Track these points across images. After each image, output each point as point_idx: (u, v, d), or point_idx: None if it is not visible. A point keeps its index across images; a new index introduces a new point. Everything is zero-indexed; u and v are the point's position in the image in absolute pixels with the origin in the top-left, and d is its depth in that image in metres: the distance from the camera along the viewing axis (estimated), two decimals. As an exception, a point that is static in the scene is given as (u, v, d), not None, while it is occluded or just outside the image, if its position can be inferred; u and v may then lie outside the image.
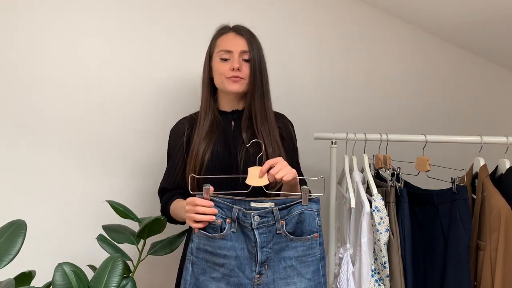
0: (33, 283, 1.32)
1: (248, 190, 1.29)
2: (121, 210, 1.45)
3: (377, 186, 1.55)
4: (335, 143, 1.70)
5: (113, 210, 1.46)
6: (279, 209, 1.25)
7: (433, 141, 1.63)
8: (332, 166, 1.72)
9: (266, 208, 1.25)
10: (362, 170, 1.65)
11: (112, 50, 1.78)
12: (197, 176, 1.35)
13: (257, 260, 1.24)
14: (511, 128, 2.14)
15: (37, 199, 1.69)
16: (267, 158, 1.37)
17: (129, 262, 1.43)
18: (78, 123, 1.73)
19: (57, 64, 1.71)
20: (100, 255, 1.35)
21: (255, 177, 1.28)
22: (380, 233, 1.43)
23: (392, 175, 1.62)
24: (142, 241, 1.47)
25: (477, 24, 1.93)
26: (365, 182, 1.60)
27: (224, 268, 1.23)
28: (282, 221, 1.25)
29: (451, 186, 1.50)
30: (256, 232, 1.24)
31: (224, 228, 1.24)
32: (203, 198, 1.24)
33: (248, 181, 1.29)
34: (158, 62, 1.83)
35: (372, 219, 1.44)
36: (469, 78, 2.24)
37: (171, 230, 1.56)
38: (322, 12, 2.03)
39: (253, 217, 1.24)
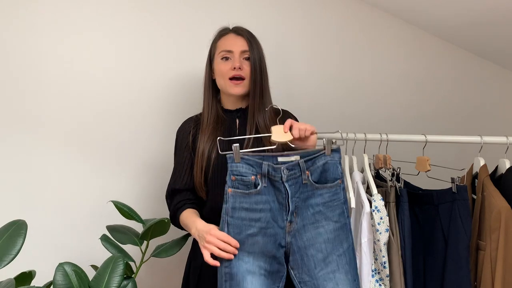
0: (33, 283, 1.32)
1: (275, 146, 1.36)
2: (126, 211, 1.45)
3: (377, 186, 1.55)
4: (335, 143, 1.70)
5: (117, 211, 1.46)
6: (305, 161, 1.33)
7: (433, 141, 1.63)
8: (332, 166, 1.72)
9: (292, 161, 1.32)
10: (362, 170, 1.65)
11: (116, 51, 1.77)
12: (223, 139, 1.37)
13: (289, 210, 1.31)
14: (511, 128, 2.14)
15: (40, 199, 1.69)
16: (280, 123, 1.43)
17: (131, 264, 1.43)
18: (82, 123, 1.73)
19: (60, 64, 1.70)
20: (103, 256, 1.35)
21: (279, 133, 1.35)
22: (380, 233, 1.43)
23: (392, 175, 1.62)
24: (145, 242, 1.47)
25: (477, 24, 1.93)
26: (365, 182, 1.60)
27: (260, 222, 1.28)
28: (308, 172, 1.33)
29: (451, 186, 1.50)
30: (286, 185, 1.30)
31: (258, 184, 1.29)
32: (233, 157, 1.28)
33: (273, 138, 1.35)
34: (164, 63, 1.82)
35: (372, 219, 1.45)
36: (469, 78, 2.24)
37: (175, 232, 1.56)
38: (322, 12, 2.03)
39: (283, 170, 1.30)
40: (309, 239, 1.32)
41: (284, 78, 1.94)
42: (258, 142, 1.44)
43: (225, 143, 1.37)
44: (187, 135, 1.49)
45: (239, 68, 1.44)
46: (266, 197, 1.29)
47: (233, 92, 1.46)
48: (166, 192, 1.51)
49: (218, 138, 1.37)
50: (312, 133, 1.39)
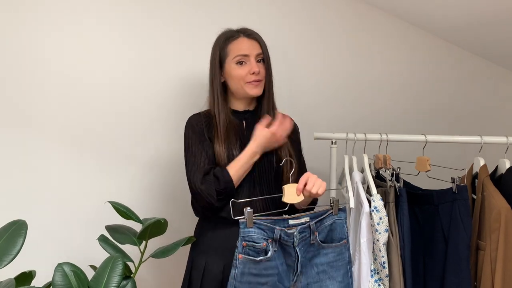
0: (33, 283, 1.33)
1: (286, 208, 1.36)
2: (123, 211, 1.45)
3: (377, 186, 1.55)
4: (335, 143, 1.71)
5: (115, 211, 1.46)
6: (314, 222, 1.33)
7: (433, 141, 1.63)
8: (332, 166, 1.72)
9: (303, 223, 1.31)
10: (362, 170, 1.65)
11: (116, 51, 1.77)
12: (237, 201, 1.35)
13: (296, 271, 1.31)
14: (511, 128, 2.14)
15: (40, 199, 1.69)
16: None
17: (130, 264, 1.43)
18: (81, 123, 1.73)
19: (59, 64, 1.70)
20: (102, 256, 1.35)
21: (291, 194, 1.34)
22: (379, 233, 1.43)
23: (392, 175, 1.62)
24: (144, 242, 1.47)
25: (477, 24, 1.93)
26: (365, 182, 1.60)
27: (267, 286, 1.28)
28: (316, 232, 1.33)
29: (451, 186, 1.50)
30: (297, 249, 1.30)
31: (269, 251, 1.27)
32: (246, 223, 1.26)
33: (285, 199, 1.34)
34: (163, 62, 1.82)
35: (371, 219, 1.45)
36: (469, 78, 2.24)
37: (173, 233, 1.56)
38: (324, 13, 2.03)
39: (295, 235, 1.29)
40: None
41: (284, 78, 1.94)
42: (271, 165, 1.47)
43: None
44: (202, 128, 1.47)
45: (258, 72, 1.46)
46: (275, 263, 1.28)
47: (252, 93, 1.47)
48: (192, 187, 1.41)
49: (232, 200, 1.33)
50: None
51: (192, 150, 1.45)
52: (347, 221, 1.39)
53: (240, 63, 1.46)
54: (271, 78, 1.52)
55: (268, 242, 1.27)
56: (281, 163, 1.45)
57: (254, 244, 1.25)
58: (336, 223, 1.36)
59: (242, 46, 1.47)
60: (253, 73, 1.45)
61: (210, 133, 1.47)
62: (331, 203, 1.36)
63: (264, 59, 1.49)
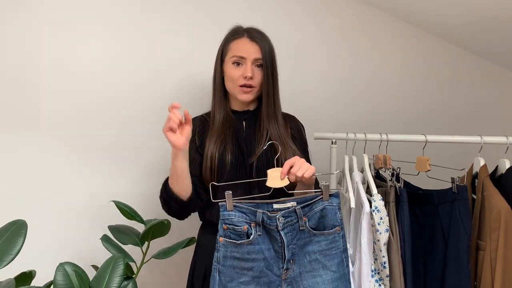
0: (33, 283, 1.32)
1: (270, 193, 1.31)
2: (127, 211, 1.45)
3: (377, 186, 1.55)
4: (335, 143, 1.71)
5: (119, 211, 1.46)
6: (302, 207, 1.28)
7: (433, 141, 1.64)
8: (332, 166, 1.72)
9: (288, 208, 1.27)
10: (362, 170, 1.65)
11: (116, 51, 1.77)
12: (217, 184, 1.33)
13: (284, 258, 1.27)
14: (511, 128, 2.15)
15: (40, 199, 1.69)
16: (280, 158, 1.39)
17: (132, 264, 1.43)
18: (84, 123, 1.73)
19: (60, 65, 1.70)
20: (103, 256, 1.35)
21: (275, 178, 1.29)
22: (380, 233, 1.43)
23: (392, 175, 1.62)
24: (146, 243, 1.47)
25: (477, 24, 1.94)
26: (365, 182, 1.60)
27: (253, 271, 1.25)
28: (305, 218, 1.28)
29: (451, 186, 1.50)
30: (282, 233, 1.26)
31: (251, 234, 1.25)
32: (225, 205, 1.24)
33: (269, 183, 1.30)
34: (166, 62, 1.82)
35: (372, 219, 1.45)
36: (469, 78, 2.24)
37: (176, 233, 1.56)
38: (325, 13, 2.03)
39: (278, 219, 1.26)
40: None
41: (284, 78, 1.93)
42: (267, 149, 1.41)
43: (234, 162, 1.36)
44: (194, 135, 1.47)
45: (251, 78, 1.42)
46: (259, 247, 1.25)
47: (241, 99, 1.46)
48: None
49: (211, 183, 1.32)
50: (311, 178, 1.33)
51: None
52: (341, 207, 1.32)
53: (236, 63, 1.44)
54: (274, 84, 1.46)
55: (250, 226, 1.25)
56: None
57: (235, 227, 1.24)
58: (327, 209, 1.28)
59: (241, 47, 1.44)
60: (245, 77, 1.42)
61: (203, 137, 1.46)
62: (321, 188, 1.29)
63: (263, 64, 1.43)
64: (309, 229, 1.28)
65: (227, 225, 1.24)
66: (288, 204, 1.27)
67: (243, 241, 1.24)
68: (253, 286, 1.25)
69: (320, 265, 1.29)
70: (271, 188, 1.31)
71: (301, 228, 1.28)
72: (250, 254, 1.25)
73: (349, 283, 1.32)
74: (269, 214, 1.25)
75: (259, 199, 1.29)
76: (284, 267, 1.27)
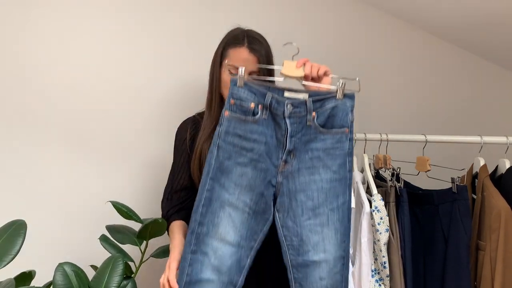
0: (33, 283, 1.32)
1: (283, 79, 1.27)
2: (124, 211, 1.45)
3: (377, 186, 1.55)
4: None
5: (116, 211, 1.46)
6: (313, 101, 1.24)
7: (433, 141, 1.63)
8: (332, 166, 1.72)
9: (300, 99, 1.22)
10: (362, 170, 1.65)
11: (115, 51, 1.77)
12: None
13: (285, 148, 1.23)
14: (511, 128, 2.14)
15: (40, 199, 1.68)
16: None
17: (131, 264, 1.43)
18: (81, 122, 1.73)
19: (59, 64, 1.70)
20: (102, 256, 1.35)
21: (291, 67, 1.24)
22: (380, 233, 1.43)
23: (392, 175, 1.62)
24: (144, 242, 1.47)
25: (477, 24, 1.94)
26: (365, 182, 1.60)
27: (252, 153, 1.22)
28: (314, 113, 1.23)
29: (451, 186, 1.50)
30: (287, 121, 1.22)
31: (257, 113, 1.21)
32: (236, 80, 1.20)
33: (284, 71, 1.25)
34: (163, 62, 1.82)
35: (372, 219, 1.45)
36: (469, 78, 2.24)
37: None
38: (324, 13, 2.03)
39: (287, 105, 1.22)
40: (302, 184, 1.23)
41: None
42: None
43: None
44: (185, 135, 1.47)
45: None
46: (262, 129, 1.22)
47: None
48: (163, 193, 1.47)
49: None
50: (326, 74, 1.29)
51: (173, 165, 1.47)
52: (353, 111, 1.25)
53: (231, 73, 1.40)
54: None
55: (257, 106, 1.21)
56: None
57: (242, 102, 1.21)
58: (339, 108, 1.23)
59: (239, 58, 1.39)
60: None
61: (194, 139, 1.44)
62: (337, 86, 1.22)
63: (259, 74, 1.40)
64: (316, 125, 1.24)
65: (234, 100, 1.22)
66: (300, 95, 1.22)
67: (248, 117, 1.21)
68: (249, 169, 1.22)
69: (321, 163, 1.24)
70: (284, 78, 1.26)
71: (308, 123, 1.23)
72: (252, 134, 1.21)
73: (349, 188, 1.26)
74: (278, 99, 1.22)
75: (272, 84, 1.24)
76: (283, 158, 1.23)
